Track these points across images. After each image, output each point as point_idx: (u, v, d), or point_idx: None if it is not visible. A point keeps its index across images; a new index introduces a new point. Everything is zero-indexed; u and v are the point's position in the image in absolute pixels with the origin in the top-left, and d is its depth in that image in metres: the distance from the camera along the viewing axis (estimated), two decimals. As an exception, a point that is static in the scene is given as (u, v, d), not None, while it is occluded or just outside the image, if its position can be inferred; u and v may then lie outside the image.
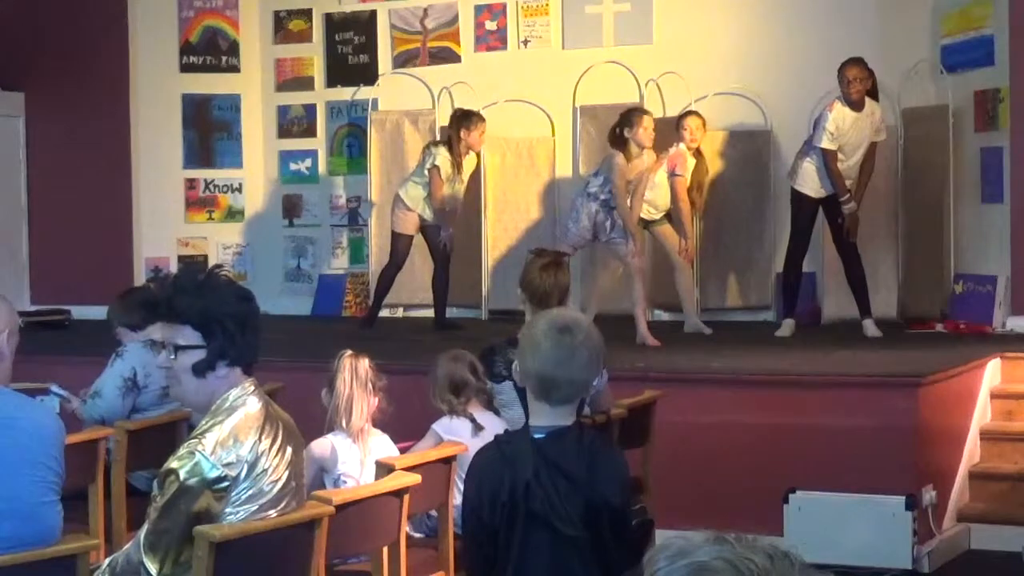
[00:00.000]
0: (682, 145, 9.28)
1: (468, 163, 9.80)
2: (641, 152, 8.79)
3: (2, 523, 3.58)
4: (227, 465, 3.54)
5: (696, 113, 9.50)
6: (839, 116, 8.62)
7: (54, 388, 6.16)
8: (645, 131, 8.75)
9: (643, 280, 8.93)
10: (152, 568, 3.50)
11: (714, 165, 10.26)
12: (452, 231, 9.76)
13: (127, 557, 3.58)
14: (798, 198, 8.89)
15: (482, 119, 9.86)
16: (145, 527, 3.54)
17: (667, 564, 1.75)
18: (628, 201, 8.75)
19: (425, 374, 5.52)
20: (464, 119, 9.72)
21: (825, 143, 8.61)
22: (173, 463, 3.52)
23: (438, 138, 10.14)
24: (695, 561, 1.73)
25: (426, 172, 9.63)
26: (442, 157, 9.58)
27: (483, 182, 10.79)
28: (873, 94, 8.77)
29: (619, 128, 8.80)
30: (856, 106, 8.63)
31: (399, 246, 9.84)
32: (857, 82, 8.62)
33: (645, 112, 8.98)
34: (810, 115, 9.26)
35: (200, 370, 3.62)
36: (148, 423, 5.71)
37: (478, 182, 10.76)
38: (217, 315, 3.62)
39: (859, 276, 8.83)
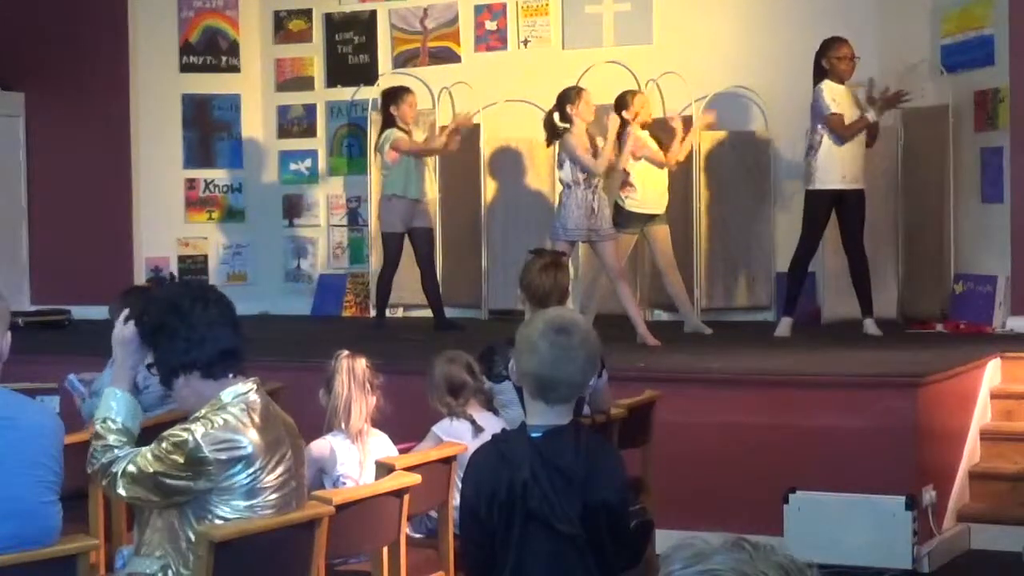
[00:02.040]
0: (629, 128, 9.01)
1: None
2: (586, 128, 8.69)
3: (2, 523, 3.57)
4: (216, 451, 3.59)
5: (637, 91, 9.37)
6: (832, 89, 8.66)
7: (71, 378, 6.15)
8: (587, 105, 8.66)
9: (626, 281, 8.89)
10: (122, 490, 3.67)
11: (714, 165, 10.28)
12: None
13: (115, 457, 3.69)
14: (813, 199, 8.77)
15: (408, 91, 9.90)
16: (143, 456, 3.64)
17: (681, 567, 1.74)
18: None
19: (425, 374, 5.52)
20: (390, 97, 9.80)
21: (834, 109, 8.61)
22: (173, 435, 3.63)
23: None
24: (708, 568, 1.72)
25: (387, 156, 9.69)
26: (394, 133, 9.68)
27: (483, 182, 10.80)
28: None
29: (559, 109, 8.74)
30: (843, 83, 8.72)
31: (390, 245, 9.84)
32: (847, 61, 8.69)
33: (583, 88, 8.89)
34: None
35: (164, 383, 3.80)
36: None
37: (478, 182, 10.78)
38: (149, 331, 3.77)
39: (864, 274, 8.81)
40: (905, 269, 9.79)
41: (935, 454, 6.99)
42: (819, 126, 8.71)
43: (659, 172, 9.15)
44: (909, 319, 9.57)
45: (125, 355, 3.83)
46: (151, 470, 3.62)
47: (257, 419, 3.69)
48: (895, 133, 9.80)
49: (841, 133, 8.63)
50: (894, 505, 6.42)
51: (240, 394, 3.71)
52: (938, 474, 6.90)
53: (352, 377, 5.05)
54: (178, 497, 3.64)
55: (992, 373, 7.71)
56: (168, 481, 3.61)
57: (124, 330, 3.83)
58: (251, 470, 3.64)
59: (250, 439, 3.64)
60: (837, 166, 8.67)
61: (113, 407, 3.78)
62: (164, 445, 3.62)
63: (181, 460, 3.59)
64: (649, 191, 9.06)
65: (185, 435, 3.61)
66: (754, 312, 10.24)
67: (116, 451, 3.71)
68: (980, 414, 7.53)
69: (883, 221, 9.78)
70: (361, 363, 5.10)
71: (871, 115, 8.64)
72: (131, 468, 3.65)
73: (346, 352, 5.14)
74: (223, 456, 3.60)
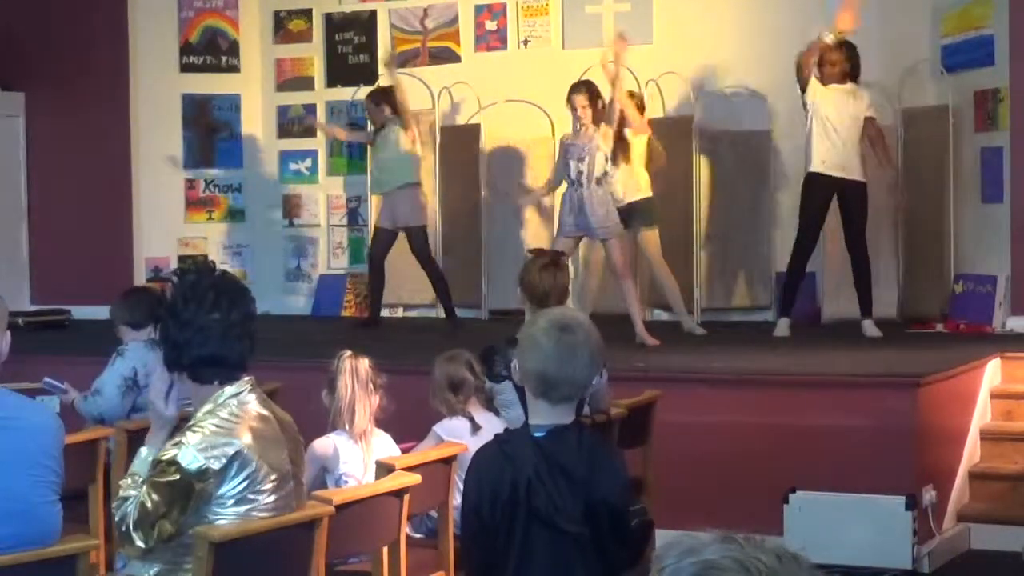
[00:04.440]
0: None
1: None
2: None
3: (2, 523, 3.58)
4: (211, 458, 3.57)
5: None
6: (813, 87, 8.74)
7: (47, 379, 6.18)
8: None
9: (631, 279, 8.88)
10: (139, 542, 3.59)
11: (714, 165, 10.28)
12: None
13: (125, 512, 3.63)
14: (808, 183, 8.79)
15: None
16: (137, 503, 3.60)
17: (675, 562, 1.76)
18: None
19: (426, 374, 5.53)
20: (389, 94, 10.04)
21: (809, 99, 8.76)
22: (164, 454, 3.60)
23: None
24: (703, 559, 1.74)
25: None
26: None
27: (483, 182, 10.80)
28: (853, 76, 8.83)
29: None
30: (826, 82, 8.78)
31: (373, 238, 9.97)
32: (827, 65, 8.76)
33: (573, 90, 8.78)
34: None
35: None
36: (148, 423, 5.70)
37: (478, 182, 10.78)
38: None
39: (866, 275, 8.80)
40: (905, 269, 9.79)
41: (935, 454, 6.99)
42: (807, 111, 8.77)
43: (625, 166, 9.04)
44: (909, 319, 9.57)
45: (162, 425, 3.79)
46: (150, 506, 3.57)
47: (251, 421, 3.67)
48: (895, 133, 9.80)
49: (801, 63, 8.75)
50: (894, 505, 6.42)
51: (233, 395, 3.70)
52: (938, 474, 6.91)
53: (355, 377, 5.05)
54: (191, 508, 3.61)
55: (992, 373, 7.71)
56: (174, 503, 3.57)
57: (167, 410, 3.76)
58: (247, 472, 3.63)
59: (244, 443, 3.62)
60: (824, 148, 8.70)
61: (145, 468, 3.72)
62: (159, 470, 3.58)
63: (178, 477, 3.55)
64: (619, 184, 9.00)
65: (177, 450, 3.58)
66: (754, 312, 10.23)
67: (125, 505, 3.65)
68: (980, 414, 7.53)
69: (883, 221, 9.78)
70: (364, 363, 5.10)
71: (828, 38, 8.66)
72: (138, 515, 3.59)
73: (349, 352, 5.13)
74: (220, 464, 3.59)
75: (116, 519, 3.68)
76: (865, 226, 8.80)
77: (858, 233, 8.77)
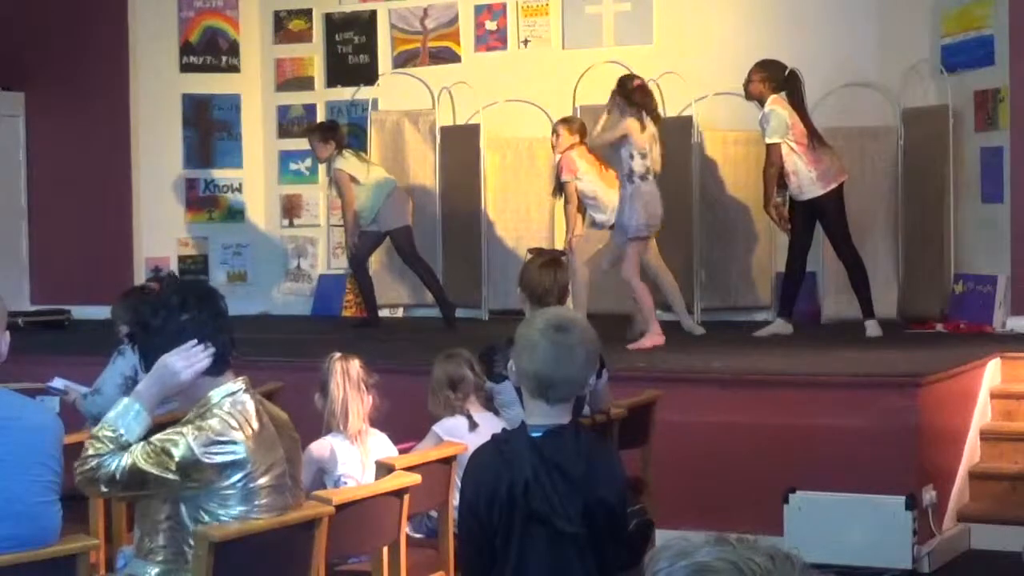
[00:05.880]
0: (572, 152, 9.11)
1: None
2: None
3: (2, 523, 3.58)
4: (207, 455, 3.58)
5: (562, 121, 9.31)
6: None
7: (56, 381, 6.19)
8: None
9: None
10: (103, 488, 3.66)
11: (714, 165, 10.28)
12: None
13: (102, 462, 3.62)
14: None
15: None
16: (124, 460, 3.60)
17: (668, 564, 1.76)
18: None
19: (426, 374, 5.52)
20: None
21: None
22: (164, 441, 3.60)
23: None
24: (696, 562, 1.74)
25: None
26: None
27: (483, 182, 10.79)
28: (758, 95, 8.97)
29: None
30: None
31: (360, 239, 10.06)
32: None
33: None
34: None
35: None
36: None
37: (478, 182, 10.77)
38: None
39: (860, 280, 8.80)
40: (905, 269, 9.79)
41: (935, 454, 6.99)
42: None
43: (607, 187, 9.06)
44: (909, 319, 9.56)
45: (166, 385, 3.70)
46: (130, 467, 3.57)
47: (248, 419, 3.68)
48: (895, 133, 9.80)
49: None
50: (894, 505, 6.42)
51: (229, 394, 3.70)
52: (938, 474, 6.91)
53: (347, 378, 5.05)
54: (160, 491, 3.63)
55: (992, 373, 7.71)
56: (155, 480, 3.58)
57: (185, 370, 3.67)
58: (245, 471, 3.63)
59: (242, 441, 3.63)
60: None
61: (127, 422, 3.64)
62: (155, 448, 3.58)
63: (173, 466, 3.57)
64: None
65: (177, 438, 3.59)
66: (754, 312, 10.23)
67: (105, 458, 3.63)
68: (980, 414, 7.53)
69: (883, 221, 9.78)
70: (355, 364, 5.09)
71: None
72: (116, 471, 3.58)
73: (338, 354, 5.13)
74: (216, 460, 3.59)
75: (89, 465, 3.61)
76: (842, 233, 8.78)
77: (839, 242, 8.79)
